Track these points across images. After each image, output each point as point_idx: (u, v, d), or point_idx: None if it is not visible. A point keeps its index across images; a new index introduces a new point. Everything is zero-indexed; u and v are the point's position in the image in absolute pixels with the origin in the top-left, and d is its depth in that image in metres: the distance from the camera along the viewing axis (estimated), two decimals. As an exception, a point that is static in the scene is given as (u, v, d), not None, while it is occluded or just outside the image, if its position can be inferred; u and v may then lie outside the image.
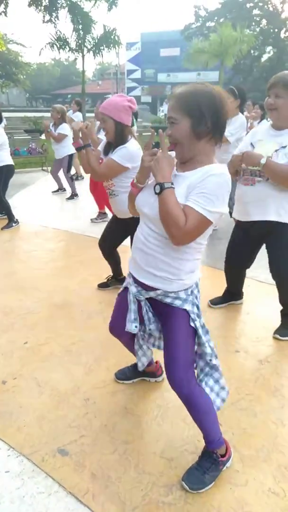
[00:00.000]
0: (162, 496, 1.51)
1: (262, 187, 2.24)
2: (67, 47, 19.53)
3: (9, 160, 4.77)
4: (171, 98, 1.36)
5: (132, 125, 2.53)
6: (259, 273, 3.26)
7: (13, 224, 4.84)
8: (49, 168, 7.20)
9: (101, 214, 5.09)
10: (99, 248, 3.03)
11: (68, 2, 18.53)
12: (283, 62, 27.13)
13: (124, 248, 3.12)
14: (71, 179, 6.40)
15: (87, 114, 17.69)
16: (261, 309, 2.92)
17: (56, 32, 19.17)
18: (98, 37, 19.55)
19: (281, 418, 1.89)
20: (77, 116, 7.85)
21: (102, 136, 3.48)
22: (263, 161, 2.14)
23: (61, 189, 6.74)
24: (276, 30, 29.28)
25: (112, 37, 19.43)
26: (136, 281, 1.54)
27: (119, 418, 1.89)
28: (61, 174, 6.50)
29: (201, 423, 1.54)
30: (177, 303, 1.47)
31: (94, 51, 19.81)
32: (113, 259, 3.11)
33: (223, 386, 1.58)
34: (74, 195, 6.35)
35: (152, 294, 1.50)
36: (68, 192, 6.50)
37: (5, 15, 17.49)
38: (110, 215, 3.33)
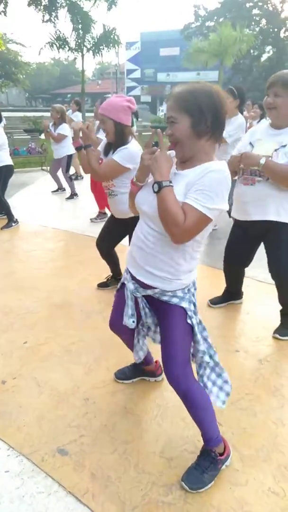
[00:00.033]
0: (162, 495, 1.51)
1: (262, 187, 2.23)
2: (66, 46, 19.54)
3: (8, 161, 4.76)
4: (170, 97, 1.36)
5: (132, 125, 2.52)
6: (258, 273, 3.26)
7: (13, 224, 4.84)
8: (49, 168, 7.19)
9: (101, 214, 5.09)
10: (97, 248, 3.02)
11: (67, 2, 18.54)
12: (282, 62, 27.14)
13: (122, 248, 3.11)
14: (70, 179, 6.40)
15: (87, 114, 17.70)
16: (260, 308, 2.92)
17: (56, 32, 19.20)
18: (98, 37, 19.56)
19: (281, 418, 1.89)
20: (77, 116, 7.85)
21: (101, 135, 3.48)
22: (262, 161, 2.14)
23: (60, 189, 6.74)
24: (275, 29, 29.30)
25: (111, 36, 19.45)
26: (133, 278, 1.55)
27: (119, 417, 1.89)
28: (60, 174, 6.49)
29: (199, 420, 1.55)
30: (175, 300, 1.48)
31: (93, 50, 19.83)
32: (111, 259, 3.11)
33: (226, 380, 1.59)
34: (73, 195, 6.35)
35: (149, 292, 1.51)
36: (68, 192, 6.50)
37: (5, 14, 17.50)
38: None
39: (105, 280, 3.25)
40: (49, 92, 49.97)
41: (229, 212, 2.72)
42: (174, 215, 1.27)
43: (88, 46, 19.76)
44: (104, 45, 19.75)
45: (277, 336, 2.55)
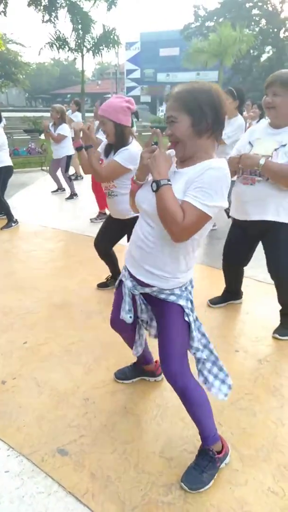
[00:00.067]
0: (162, 495, 1.51)
1: (262, 187, 2.23)
2: (66, 46, 19.56)
3: (8, 161, 4.77)
4: (169, 97, 1.36)
5: (132, 125, 2.52)
6: (258, 273, 3.26)
7: (13, 224, 4.84)
8: (48, 168, 7.19)
9: (101, 214, 5.09)
10: (95, 248, 3.02)
11: (67, 2, 18.56)
12: (282, 62, 27.15)
13: (121, 248, 3.12)
14: (70, 179, 6.40)
15: (86, 114, 17.70)
16: (260, 308, 2.92)
17: (56, 32, 19.23)
18: (98, 37, 19.58)
19: (281, 418, 1.90)
20: (76, 116, 7.84)
21: (100, 136, 3.48)
22: (262, 161, 2.14)
23: (60, 189, 6.74)
24: (275, 30, 29.32)
25: (111, 37, 19.47)
26: (132, 276, 1.56)
27: (119, 417, 1.89)
28: (60, 174, 6.49)
29: (196, 417, 1.55)
30: (172, 298, 1.49)
31: (93, 51, 19.84)
32: (110, 259, 3.11)
33: (227, 373, 1.60)
34: (73, 195, 6.35)
35: (147, 290, 1.52)
36: (68, 192, 6.50)
37: (5, 14, 17.51)
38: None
39: (105, 280, 3.25)
40: (49, 92, 49.99)
41: (227, 213, 2.72)
42: (173, 214, 1.27)
43: (88, 46, 19.77)
44: (104, 45, 19.77)
45: (277, 336, 2.55)
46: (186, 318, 1.49)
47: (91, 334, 2.57)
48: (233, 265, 2.78)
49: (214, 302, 2.96)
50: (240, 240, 2.59)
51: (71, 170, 7.22)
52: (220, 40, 21.05)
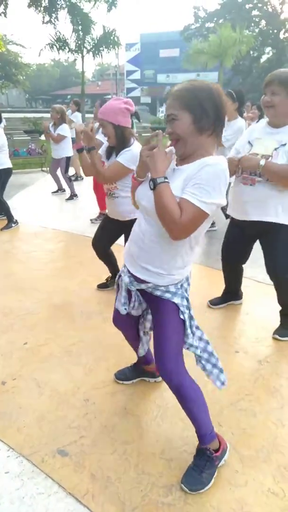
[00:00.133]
0: (162, 496, 1.51)
1: (262, 187, 2.23)
2: (66, 48, 19.59)
3: (8, 163, 4.77)
4: (169, 96, 1.36)
5: (132, 126, 2.52)
6: (257, 273, 3.26)
7: (13, 225, 4.84)
8: (48, 169, 7.20)
9: (101, 215, 5.08)
10: (93, 248, 3.03)
11: (67, 3, 18.58)
12: (282, 63, 27.19)
13: (119, 248, 3.12)
14: (69, 180, 6.40)
15: (86, 115, 17.71)
16: (260, 309, 2.92)
17: (56, 33, 19.23)
18: (98, 38, 19.61)
19: (281, 419, 1.90)
20: (76, 117, 7.83)
21: (99, 136, 3.47)
22: (262, 162, 2.14)
23: (60, 189, 6.75)
24: (275, 31, 29.35)
25: (111, 38, 19.49)
26: (130, 272, 1.58)
27: (119, 418, 1.89)
28: (60, 174, 6.50)
29: (192, 414, 1.55)
30: (167, 296, 1.50)
31: (93, 52, 19.87)
32: (108, 259, 3.11)
33: (221, 369, 1.60)
34: (73, 196, 6.36)
35: (143, 286, 1.54)
36: (68, 193, 6.51)
37: (5, 15, 17.51)
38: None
39: (105, 281, 3.25)
40: (49, 93, 50.03)
41: (225, 214, 2.72)
42: (171, 211, 1.27)
43: (88, 48, 19.80)
44: (104, 47, 19.80)
45: (277, 337, 2.55)
46: (181, 316, 1.49)
47: (91, 334, 2.57)
48: (232, 264, 2.78)
49: (214, 303, 2.96)
50: (238, 239, 2.60)
51: (71, 171, 7.22)
52: (220, 41, 21.09)
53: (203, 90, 1.30)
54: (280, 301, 2.56)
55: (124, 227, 2.67)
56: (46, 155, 8.63)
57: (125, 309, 1.64)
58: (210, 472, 1.55)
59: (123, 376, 2.13)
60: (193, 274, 1.63)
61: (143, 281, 1.52)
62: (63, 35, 19.39)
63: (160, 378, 2.11)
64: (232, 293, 2.97)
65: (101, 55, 20.26)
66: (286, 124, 2.19)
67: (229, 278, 2.89)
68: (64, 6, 18.72)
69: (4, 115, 5.60)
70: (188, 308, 1.53)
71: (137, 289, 1.59)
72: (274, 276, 2.45)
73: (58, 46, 19.42)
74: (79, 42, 19.44)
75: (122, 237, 2.87)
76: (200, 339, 1.58)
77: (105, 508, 1.46)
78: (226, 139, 3.53)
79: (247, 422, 1.87)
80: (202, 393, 1.57)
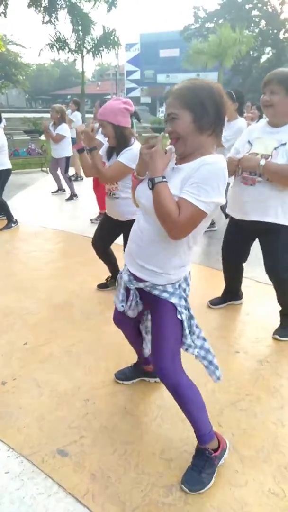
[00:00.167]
0: (162, 496, 1.51)
1: (262, 188, 2.23)
2: (66, 48, 19.57)
3: (8, 164, 4.78)
4: (169, 95, 1.36)
5: (132, 127, 2.52)
6: (258, 274, 3.26)
7: (12, 225, 4.84)
8: (48, 169, 7.20)
9: (101, 215, 5.07)
10: (93, 247, 3.03)
11: (67, 3, 18.57)
12: (282, 63, 27.19)
13: (119, 247, 3.12)
14: (69, 180, 6.40)
15: (86, 115, 17.70)
16: (260, 309, 2.92)
17: (56, 33, 19.21)
18: (98, 38, 19.59)
19: (281, 419, 1.90)
20: (76, 116, 7.81)
21: (99, 137, 3.46)
22: (262, 163, 2.14)
23: (60, 189, 6.75)
24: (275, 31, 29.36)
25: (111, 38, 19.48)
26: (129, 270, 1.58)
27: (119, 418, 1.89)
28: (60, 174, 6.50)
29: (190, 414, 1.55)
30: (165, 295, 1.49)
31: (93, 52, 19.86)
32: (108, 258, 3.11)
33: (217, 366, 1.60)
34: (73, 196, 6.36)
35: (141, 285, 1.54)
36: (68, 193, 6.51)
37: (5, 16, 17.50)
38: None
39: (105, 281, 3.25)
40: (49, 93, 50.01)
41: (225, 214, 2.72)
42: (169, 211, 1.27)
43: (88, 48, 19.79)
44: (104, 47, 19.78)
45: (277, 337, 2.55)
46: (179, 316, 1.49)
47: (91, 335, 2.57)
48: (233, 263, 2.78)
49: (214, 303, 2.96)
50: (238, 239, 2.60)
51: (71, 171, 7.22)
52: (220, 41, 21.09)
53: (204, 89, 1.30)
54: (280, 301, 2.56)
55: (123, 226, 2.67)
56: (46, 155, 8.63)
57: (122, 306, 1.65)
58: (210, 472, 1.55)
59: (123, 376, 2.13)
60: (193, 274, 1.63)
61: (141, 280, 1.52)
62: (63, 35, 19.39)
63: (160, 378, 2.12)
64: (232, 293, 2.97)
65: (101, 55, 20.26)
66: (285, 123, 2.20)
67: (230, 277, 2.89)
68: (64, 6, 18.71)
69: (4, 115, 5.60)
70: (187, 308, 1.52)
71: (136, 288, 1.59)
72: (274, 276, 2.45)
73: (58, 46, 19.41)
74: (79, 42, 19.43)
75: (121, 237, 2.86)
76: (198, 337, 1.59)
77: (105, 508, 1.46)
78: (226, 140, 3.52)
79: (247, 422, 1.87)
80: (199, 393, 1.57)
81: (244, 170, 2.27)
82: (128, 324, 1.82)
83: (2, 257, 3.95)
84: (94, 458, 1.67)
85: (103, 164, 2.57)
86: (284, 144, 2.15)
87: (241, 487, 1.55)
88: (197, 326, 1.58)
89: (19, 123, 14.93)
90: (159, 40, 35.48)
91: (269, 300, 2.85)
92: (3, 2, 17.02)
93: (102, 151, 2.68)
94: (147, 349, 1.88)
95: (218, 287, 3.01)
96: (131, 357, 2.13)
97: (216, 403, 1.97)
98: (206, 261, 3.78)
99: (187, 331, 1.51)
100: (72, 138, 6.27)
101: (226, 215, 2.65)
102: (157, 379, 2.12)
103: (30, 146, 8.81)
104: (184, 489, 1.52)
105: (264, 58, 30.73)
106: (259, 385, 2.13)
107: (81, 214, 5.48)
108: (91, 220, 5.09)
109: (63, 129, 6.04)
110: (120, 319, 1.80)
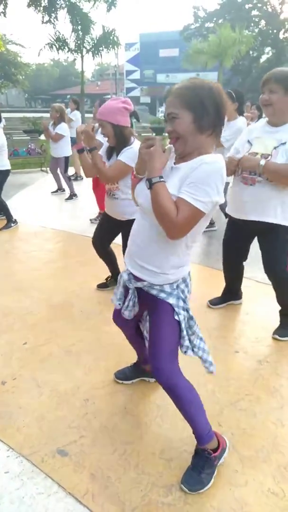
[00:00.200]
0: (162, 496, 1.51)
1: (262, 187, 2.23)
2: (66, 47, 19.55)
3: (7, 165, 4.77)
4: (169, 94, 1.36)
5: (131, 126, 2.52)
6: (257, 273, 3.26)
7: (12, 225, 4.84)
8: (48, 169, 7.20)
9: (101, 215, 5.08)
10: (93, 246, 3.03)
11: (67, 3, 18.55)
12: (281, 63, 27.18)
13: (118, 247, 3.12)
14: (69, 179, 6.40)
15: (86, 115, 17.70)
16: (260, 309, 2.92)
17: (55, 33, 19.19)
18: (97, 38, 19.57)
19: (281, 419, 1.90)
20: (75, 115, 7.80)
21: (98, 137, 3.46)
22: (262, 162, 2.14)
23: (60, 189, 6.74)
24: (275, 31, 29.36)
25: (111, 37, 19.45)
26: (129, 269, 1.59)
27: (119, 418, 1.89)
28: (60, 174, 6.49)
29: (188, 415, 1.55)
30: (162, 296, 1.49)
31: (93, 51, 19.83)
32: (108, 257, 3.11)
33: (211, 362, 1.59)
34: (72, 196, 6.35)
35: (139, 284, 1.54)
36: (67, 192, 6.51)
37: (4, 15, 17.49)
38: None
39: (105, 281, 3.25)
40: (48, 93, 49.99)
41: (225, 213, 2.72)
42: (167, 210, 1.27)
43: (88, 47, 19.77)
44: (103, 46, 19.76)
45: (277, 337, 2.55)
46: (176, 317, 1.48)
47: (91, 334, 2.57)
48: (234, 263, 2.79)
49: (214, 303, 2.96)
50: (237, 238, 2.60)
51: (71, 171, 7.21)
52: (219, 41, 21.08)
53: (204, 89, 1.30)
54: (279, 300, 2.56)
55: (123, 226, 2.67)
56: (45, 155, 8.63)
57: (119, 304, 1.66)
58: (209, 472, 1.55)
59: (123, 376, 2.13)
60: (193, 274, 1.63)
61: (140, 279, 1.52)
62: (63, 35, 19.36)
63: (160, 378, 2.11)
64: (232, 292, 2.98)
65: (101, 55, 20.23)
66: (285, 122, 2.20)
67: (230, 277, 2.90)
68: (63, 6, 18.69)
69: (3, 114, 5.60)
70: (185, 309, 1.52)
71: (135, 288, 1.58)
72: (272, 276, 2.45)
73: (57, 46, 19.38)
74: (79, 42, 19.40)
75: (120, 236, 2.86)
76: (197, 336, 1.58)
77: (105, 508, 1.46)
78: (225, 139, 3.51)
79: (247, 422, 1.87)
80: (197, 393, 1.56)
81: (244, 170, 2.28)
82: (128, 324, 1.82)
83: (1, 257, 3.95)
84: (94, 458, 1.67)
85: (104, 163, 2.57)
86: (284, 143, 2.15)
87: (241, 487, 1.55)
88: (197, 326, 1.58)
89: (18, 123, 14.94)
90: (158, 40, 35.48)
91: (269, 300, 2.85)
92: (3, 2, 17.01)
93: (102, 151, 2.67)
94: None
95: (218, 287, 3.01)
96: (131, 357, 2.13)
97: (216, 403, 1.97)
98: (206, 261, 3.78)
99: (184, 333, 1.51)
100: (71, 138, 6.27)
101: (226, 215, 2.64)
102: (157, 379, 2.12)
103: (29, 146, 8.81)
104: (184, 489, 1.52)
105: (263, 58, 30.73)
106: (258, 385, 2.13)
107: (80, 214, 5.48)
108: (90, 220, 5.09)
109: (62, 128, 6.04)
110: (119, 318, 1.79)
